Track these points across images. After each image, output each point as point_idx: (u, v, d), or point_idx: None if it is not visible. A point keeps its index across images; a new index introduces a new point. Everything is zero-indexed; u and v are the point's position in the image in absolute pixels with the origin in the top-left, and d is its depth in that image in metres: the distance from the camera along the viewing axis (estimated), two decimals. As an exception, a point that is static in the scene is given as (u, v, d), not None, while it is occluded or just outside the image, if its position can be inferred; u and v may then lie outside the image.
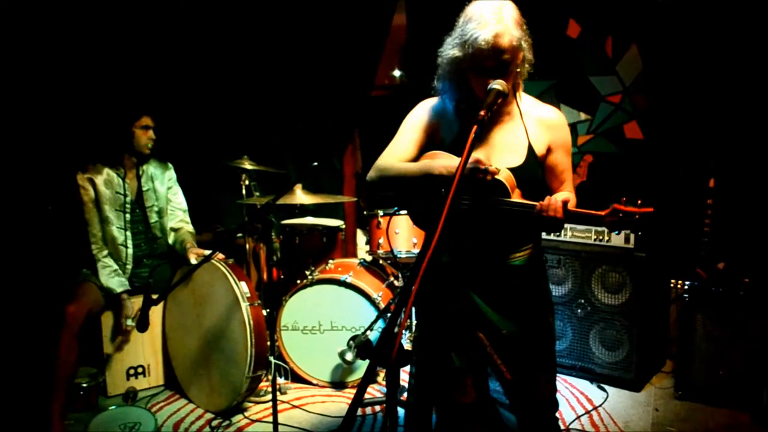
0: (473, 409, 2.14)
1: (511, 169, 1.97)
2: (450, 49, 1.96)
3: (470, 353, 2.11)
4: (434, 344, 2.17)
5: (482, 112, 1.76)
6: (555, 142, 2.06)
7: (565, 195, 1.96)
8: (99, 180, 3.40)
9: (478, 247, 2.05)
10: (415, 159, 2.12)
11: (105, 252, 3.44)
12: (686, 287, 3.45)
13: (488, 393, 2.24)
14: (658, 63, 3.95)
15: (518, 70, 1.95)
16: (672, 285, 3.92)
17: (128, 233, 3.50)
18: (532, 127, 2.04)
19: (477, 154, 2.01)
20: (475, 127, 1.71)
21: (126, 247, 3.50)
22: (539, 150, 2.04)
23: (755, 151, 3.65)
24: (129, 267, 3.52)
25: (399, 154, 2.12)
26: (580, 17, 4.18)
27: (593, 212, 1.85)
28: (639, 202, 1.81)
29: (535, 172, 2.04)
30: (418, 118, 2.15)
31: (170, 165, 3.71)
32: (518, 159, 2.01)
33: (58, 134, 3.66)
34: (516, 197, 1.93)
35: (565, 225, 2.37)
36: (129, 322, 3.41)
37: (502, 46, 1.85)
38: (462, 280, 2.09)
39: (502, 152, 2.02)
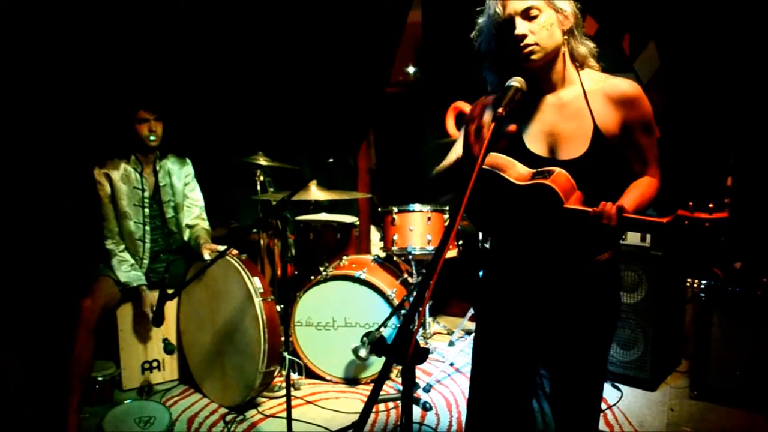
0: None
1: (573, 161, 1.78)
2: (480, 19, 1.86)
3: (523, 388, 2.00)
4: (491, 371, 2.00)
5: (500, 110, 1.62)
6: (630, 119, 1.80)
7: (635, 192, 1.78)
8: (115, 175, 3.42)
9: (538, 253, 1.87)
10: None
11: (122, 246, 3.46)
12: (702, 286, 3.41)
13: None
14: (675, 60, 3.91)
15: (565, 37, 1.80)
16: (688, 284, 3.89)
17: (147, 228, 3.53)
18: (599, 106, 1.80)
19: (535, 148, 1.85)
20: (492, 124, 1.60)
21: (144, 242, 3.53)
22: (610, 131, 1.79)
23: (774, 150, 3.62)
24: (146, 262, 3.54)
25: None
26: (597, 14, 4.14)
27: (653, 219, 1.58)
28: (711, 206, 1.48)
29: (602, 159, 1.80)
30: None
31: (188, 161, 3.72)
32: (581, 147, 1.78)
33: (69, 129, 3.67)
34: (573, 201, 1.68)
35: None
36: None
37: None
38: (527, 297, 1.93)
39: (564, 142, 1.81)
